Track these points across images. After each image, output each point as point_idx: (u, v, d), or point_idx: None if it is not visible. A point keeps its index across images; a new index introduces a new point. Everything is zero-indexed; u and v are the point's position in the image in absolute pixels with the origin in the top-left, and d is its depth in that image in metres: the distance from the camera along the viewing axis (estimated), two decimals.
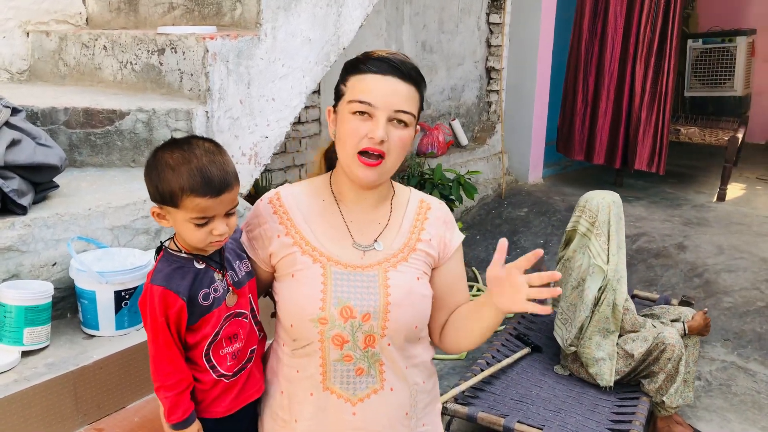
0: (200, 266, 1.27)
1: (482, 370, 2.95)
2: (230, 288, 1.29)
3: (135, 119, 2.25)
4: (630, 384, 2.93)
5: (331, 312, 1.26)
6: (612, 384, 2.84)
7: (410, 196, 1.43)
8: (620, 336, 2.86)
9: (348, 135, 1.26)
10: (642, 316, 3.06)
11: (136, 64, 2.49)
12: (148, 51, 2.44)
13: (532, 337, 3.35)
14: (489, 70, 5.70)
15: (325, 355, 1.27)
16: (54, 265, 1.84)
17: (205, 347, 1.27)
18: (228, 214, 1.25)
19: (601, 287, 2.80)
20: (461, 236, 1.43)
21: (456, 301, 1.40)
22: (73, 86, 2.67)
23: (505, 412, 2.68)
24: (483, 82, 5.70)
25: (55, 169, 1.91)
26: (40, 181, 1.89)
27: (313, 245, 1.31)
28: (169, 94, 2.41)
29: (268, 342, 1.43)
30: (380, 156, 1.25)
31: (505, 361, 3.06)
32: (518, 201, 5.48)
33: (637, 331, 2.84)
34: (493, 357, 3.11)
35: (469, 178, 4.45)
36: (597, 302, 2.82)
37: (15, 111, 1.94)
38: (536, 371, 3.08)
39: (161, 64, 2.41)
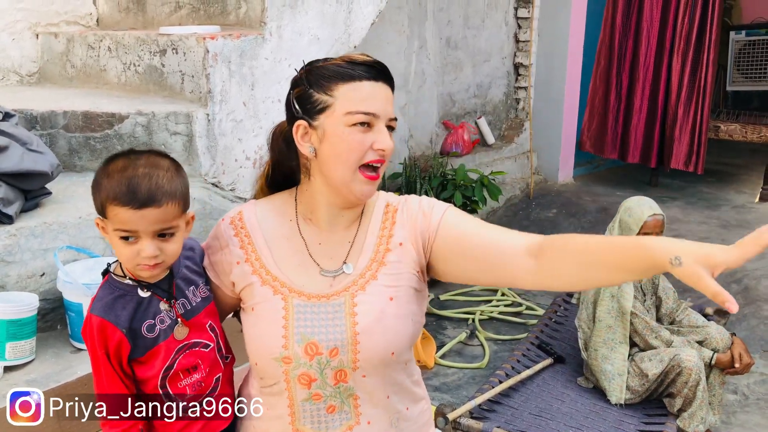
0: (144, 294, 1.17)
1: (500, 382, 2.81)
2: (179, 319, 1.19)
3: (134, 123, 2.19)
4: (658, 399, 2.75)
5: (295, 350, 1.14)
6: (622, 402, 2.68)
7: (377, 202, 1.27)
8: (642, 350, 2.69)
9: (351, 150, 1.12)
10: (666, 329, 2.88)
11: (138, 65, 2.43)
12: (150, 52, 2.37)
13: (555, 346, 3.19)
14: (517, 67, 5.52)
15: (293, 395, 1.16)
16: (42, 275, 1.78)
17: (159, 381, 1.17)
18: (162, 236, 1.13)
19: (598, 291, 2.70)
20: (445, 205, 1.23)
21: (496, 240, 1.16)
22: (79, 88, 2.63)
23: (523, 428, 2.54)
24: (511, 78, 5.52)
25: (45, 176, 1.86)
26: (30, 188, 1.84)
27: (274, 274, 1.18)
28: (170, 97, 2.34)
29: (243, 366, 1.32)
30: (380, 166, 1.16)
31: (525, 373, 2.91)
32: (547, 201, 5.30)
33: (652, 346, 2.67)
34: (513, 368, 2.96)
35: (494, 179, 4.30)
36: (595, 307, 2.72)
37: (7, 116, 1.90)
38: (558, 383, 2.93)
39: (163, 65, 2.35)
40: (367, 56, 1.16)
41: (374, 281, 1.18)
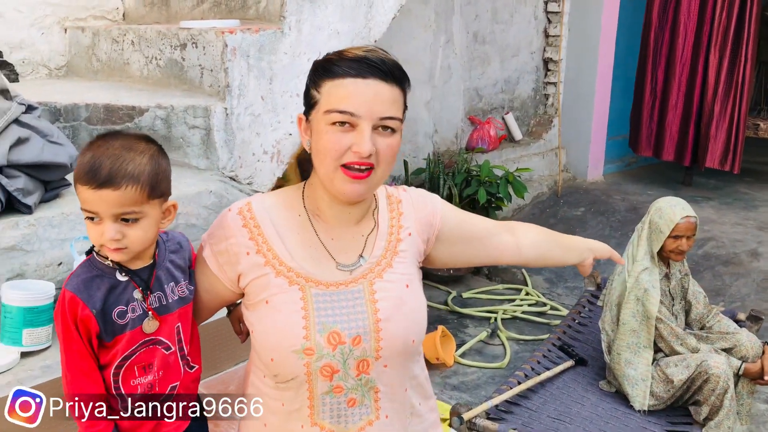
0: (122, 278, 1.14)
1: (519, 383, 2.76)
2: (149, 312, 1.15)
3: (154, 116, 2.21)
4: (683, 407, 2.67)
5: (317, 340, 1.11)
6: (646, 408, 2.60)
7: (380, 194, 1.27)
8: (667, 355, 2.61)
9: (328, 150, 1.10)
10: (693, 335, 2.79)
11: (160, 59, 2.46)
12: (171, 46, 2.40)
13: (578, 348, 3.13)
14: (546, 62, 5.43)
15: (313, 388, 1.13)
16: (60, 264, 1.81)
17: (112, 370, 1.14)
18: (126, 221, 1.10)
19: (623, 293, 2.63)
20: (436, 196, 1.33)
21: (483, 230, 1.36)
22: (103, 82, 2.67)
23: None
24: (540, 74, 5.44)
25: (64, 168, 1.88)
26: (50, 179, 1.87)
27: (288, 265, 1.16)
28: (190, 90, 2.36)
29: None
30: (369, 168, 1.11)
31: (546, 374, 2.86)
32: (575, 199, 5.21)
33: (678, 352, 2.58)
34: (533, 369, 2.91)
35: (519, 176, 4.24)
36: (619, 309, 2.65)
37: (30, 108, 1.93)
38: (579, 386, 2.87)
39: (183, 59, 2.37)
40: (366, 50, 1.12)
41: (390, 269, 1.19)
